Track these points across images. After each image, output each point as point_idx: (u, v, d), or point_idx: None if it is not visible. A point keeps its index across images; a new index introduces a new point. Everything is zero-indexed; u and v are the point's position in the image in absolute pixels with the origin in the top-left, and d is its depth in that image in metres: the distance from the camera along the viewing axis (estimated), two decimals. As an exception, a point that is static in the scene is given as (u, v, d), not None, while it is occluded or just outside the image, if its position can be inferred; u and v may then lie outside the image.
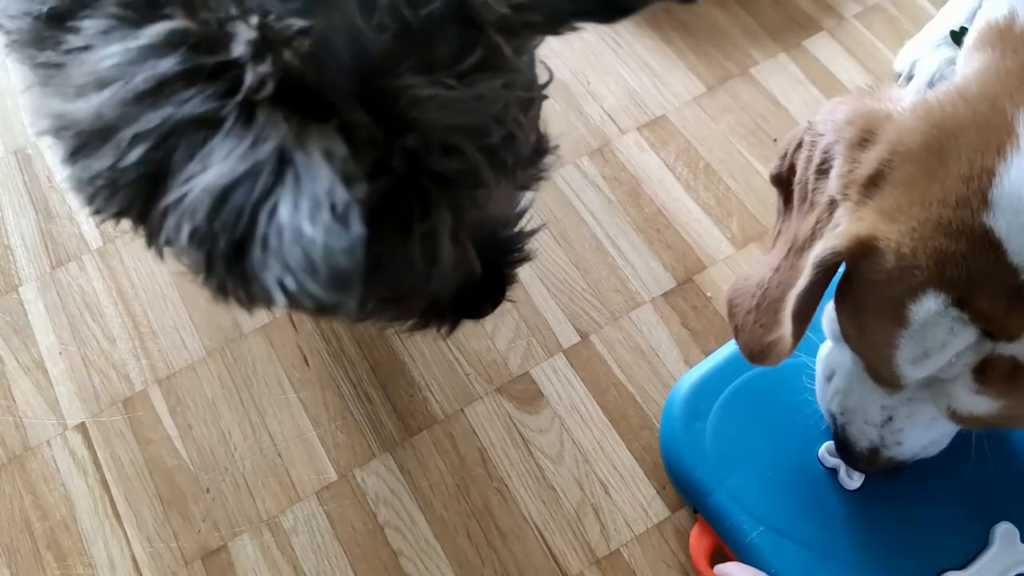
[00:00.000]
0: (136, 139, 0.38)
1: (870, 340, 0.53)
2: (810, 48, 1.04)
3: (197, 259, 0.38)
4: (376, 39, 0.40)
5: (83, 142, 0.40)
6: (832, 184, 0.55)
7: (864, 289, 0.52)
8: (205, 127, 0.37)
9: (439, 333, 0.62)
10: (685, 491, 0.75)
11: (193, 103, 0.37)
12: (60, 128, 0.41)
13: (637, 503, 0.78)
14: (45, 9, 0.44)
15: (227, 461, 0.80)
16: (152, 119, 0.37)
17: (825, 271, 0.53)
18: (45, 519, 0.78)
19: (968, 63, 0.53)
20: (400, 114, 0.41)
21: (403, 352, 0.86)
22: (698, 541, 0.72)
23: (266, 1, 0.39)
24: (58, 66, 0.43)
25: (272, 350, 0.86)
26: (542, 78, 0.52)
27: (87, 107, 0.39)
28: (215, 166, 0.36)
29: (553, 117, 0.98)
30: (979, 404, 0.51)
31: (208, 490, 0.79)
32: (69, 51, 0.42)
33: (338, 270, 0.33)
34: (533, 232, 0.63)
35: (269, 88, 0.37)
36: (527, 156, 0.49)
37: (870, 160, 0.51)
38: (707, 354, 0.81)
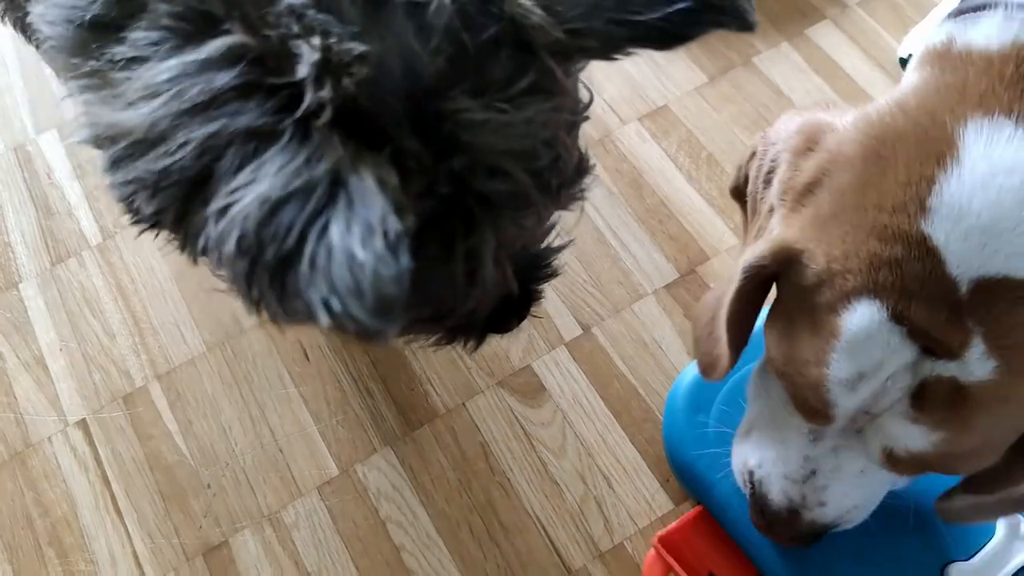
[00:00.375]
0: (184, 144, 0.38)
1: (800, 359, 0.50)
2: (813, 37, 1.03)
3: (239, 268, 0.38)
4: (431, 62, 0.40)
5: (132, 151, 0.40)
6: (773, 190, 0.54)
7: (793, 299, 0.51)
8: (258, 139, 0.37)
9: (465, 349, 0.61)
10: (688, 483, 0.74)
11: (249, 116, 0.37)
12: (109, 138, 0.41)
13: (640, 496, 0.77)
14: (88, 17, 0.43)
15: (228, 456, 0.80)
16: (206, 129, 0.37)
17: (754, 278, 0.52)
18: (46, 516, 0.78)
19: (907, 80, 0.52)
20: (450, 137, 0.40)
21: (403, 346, 0.85)
22: (651, 570, 0.70)
23: (326, 21, 0.39)
24: (105, 77, 0.42)
25: (272, 345, 0.85)
26: (584, 98, 0.52)
27: (139, 116, 0.39)
28: (268, 178, 0.36)
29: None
30: (916, 437, 0.48)
31: (209, 486, 0.79)
32: (118, 62, 0.41)
33: (384, 297, 0.33)
34: (561, 248, 0.62)
35: (328, 114, 0.37)
36: (570, 177, 0.49)
37: (809, 167, 0.51)
38: (710, 346, 0.80)
